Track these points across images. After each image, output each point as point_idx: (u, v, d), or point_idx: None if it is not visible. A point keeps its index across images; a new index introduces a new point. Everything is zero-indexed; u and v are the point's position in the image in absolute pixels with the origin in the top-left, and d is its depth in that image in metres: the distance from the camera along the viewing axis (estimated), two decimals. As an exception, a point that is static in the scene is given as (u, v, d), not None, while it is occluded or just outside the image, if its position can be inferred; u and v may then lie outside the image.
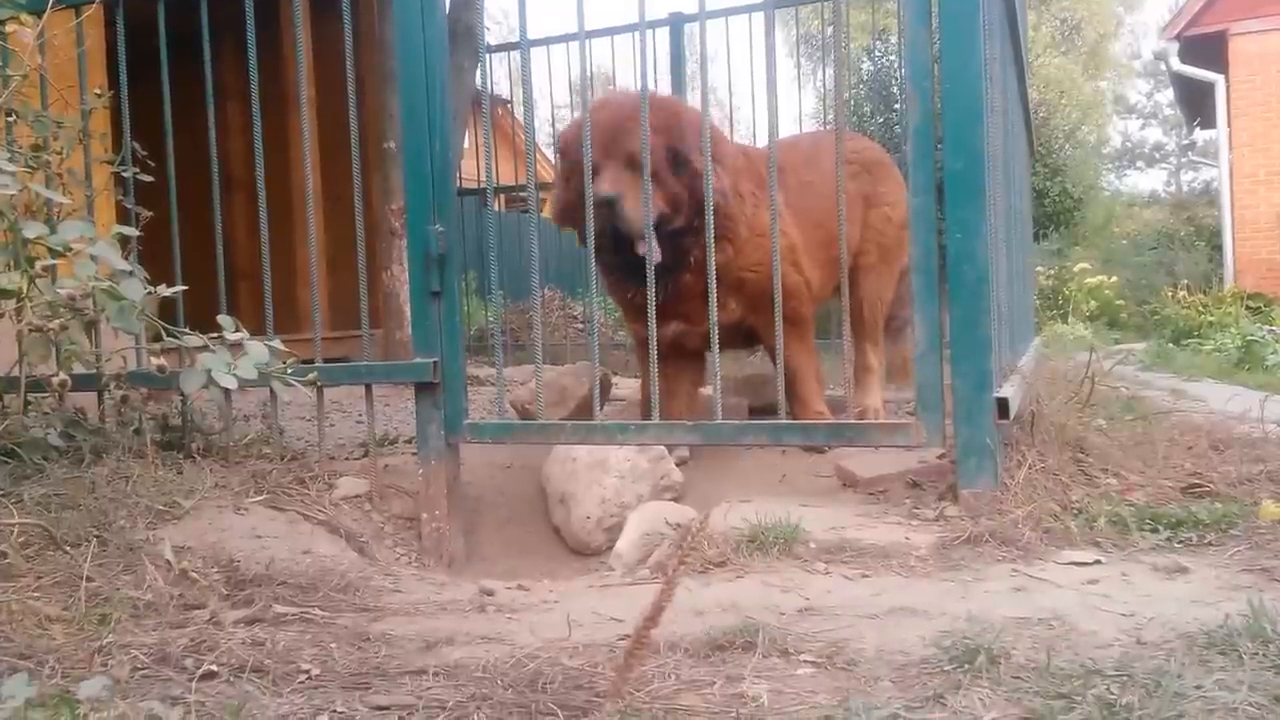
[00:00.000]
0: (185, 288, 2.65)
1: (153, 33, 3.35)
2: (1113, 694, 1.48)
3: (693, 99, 6.77)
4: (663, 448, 3.33)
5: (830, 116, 5.09)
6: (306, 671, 1.78)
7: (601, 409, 3.17)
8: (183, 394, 3.06)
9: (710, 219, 2.90)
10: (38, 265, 2.12)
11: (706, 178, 2.95)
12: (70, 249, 2.14)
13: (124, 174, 3.33)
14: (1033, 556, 2.31)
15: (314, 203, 3.33)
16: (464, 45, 5.72)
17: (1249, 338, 9.01)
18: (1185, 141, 29.64)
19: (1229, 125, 13.07)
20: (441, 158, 3.04)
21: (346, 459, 3.57)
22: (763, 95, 3.20)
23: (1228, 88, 12.97)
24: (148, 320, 2.38)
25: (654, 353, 2.95)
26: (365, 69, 6.31)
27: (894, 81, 11.28)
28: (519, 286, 7.00)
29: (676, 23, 6.54)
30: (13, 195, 2.15)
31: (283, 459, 3.24)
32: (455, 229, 3.08)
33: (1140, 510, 2.56)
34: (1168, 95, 28.50)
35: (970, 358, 2.59)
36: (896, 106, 10.87)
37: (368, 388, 3.33)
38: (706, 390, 3.71)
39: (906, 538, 2.45)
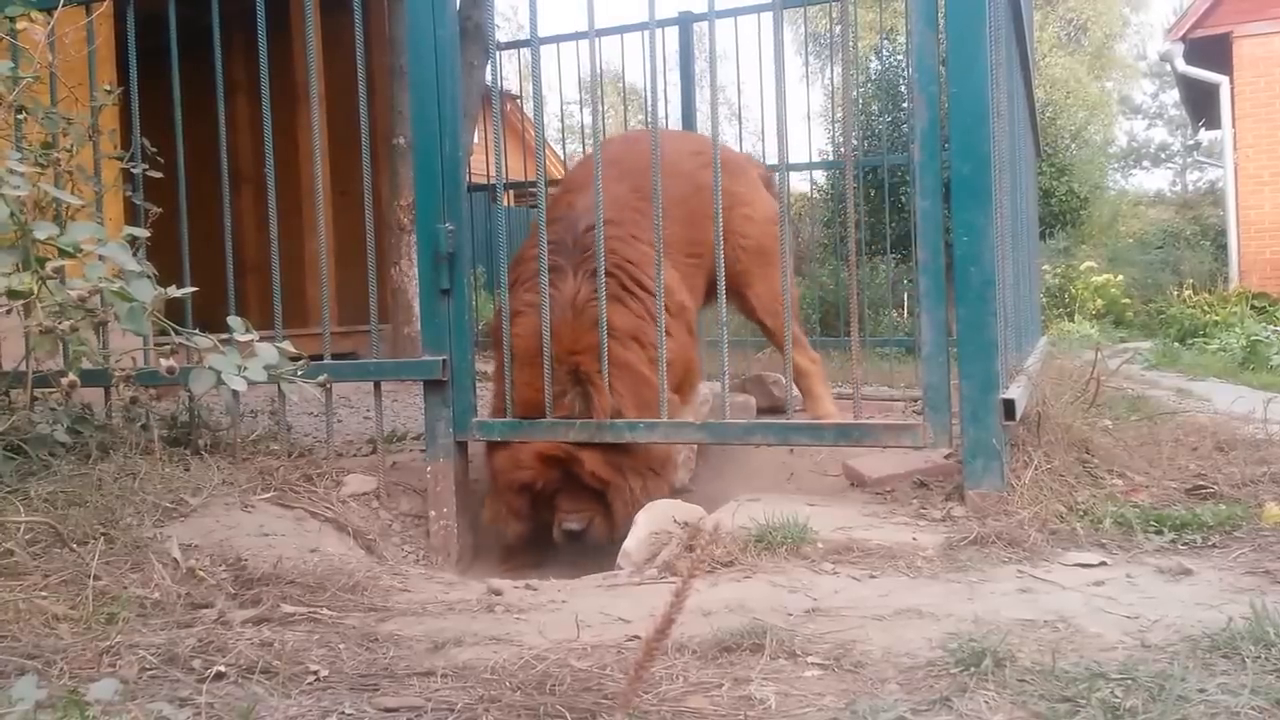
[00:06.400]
0: (196, 289, 2.65)
1: (162, 27, 3.36)
2: (1117, 697, 1.48)
3: (702, 97, 6.76)
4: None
5: (838, 114, 5.09)
6: (315, 673, 1.78)
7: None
8: (190, 391, 3.07)
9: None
10: (48, 266, 2.11)
11: None
12: (80, 250, 2.14)
13: (133, 170, 3.33)
14: (1038, 558, 2.31)
15: (323, 198, 3.32)
16: (474, 42, 5.74)
17: (1254, 337, 9.01)
18: (1190, 142, 29.60)
19: (1234, 127, 13.03)
20: (451, 157, 3.04)
21: (354, 456, 3.58)
22: (771, 94, 3.10)
23: (1232, 89, 12.93)
24: (156, 320, 2.38)
25: (661, 343, 2.96)
26: (374, 65, 6.31)
27: (901, 80, 11.26)
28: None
29: (686, 21, 6.55)
30: (22, 196, 2.14)
31: (290, 456, 3.25)
32: (465, 226, 3.09)
33: (1145, 512, 2.57)
34: (1173, 96, 28.37)
35: (977, 360, 2.60)
36: (904, 105, 10.85)
37: (376, 384, 3.34)
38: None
39: (914, 538, 2.46)
